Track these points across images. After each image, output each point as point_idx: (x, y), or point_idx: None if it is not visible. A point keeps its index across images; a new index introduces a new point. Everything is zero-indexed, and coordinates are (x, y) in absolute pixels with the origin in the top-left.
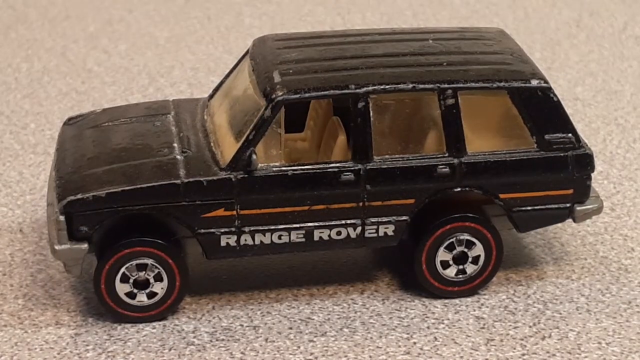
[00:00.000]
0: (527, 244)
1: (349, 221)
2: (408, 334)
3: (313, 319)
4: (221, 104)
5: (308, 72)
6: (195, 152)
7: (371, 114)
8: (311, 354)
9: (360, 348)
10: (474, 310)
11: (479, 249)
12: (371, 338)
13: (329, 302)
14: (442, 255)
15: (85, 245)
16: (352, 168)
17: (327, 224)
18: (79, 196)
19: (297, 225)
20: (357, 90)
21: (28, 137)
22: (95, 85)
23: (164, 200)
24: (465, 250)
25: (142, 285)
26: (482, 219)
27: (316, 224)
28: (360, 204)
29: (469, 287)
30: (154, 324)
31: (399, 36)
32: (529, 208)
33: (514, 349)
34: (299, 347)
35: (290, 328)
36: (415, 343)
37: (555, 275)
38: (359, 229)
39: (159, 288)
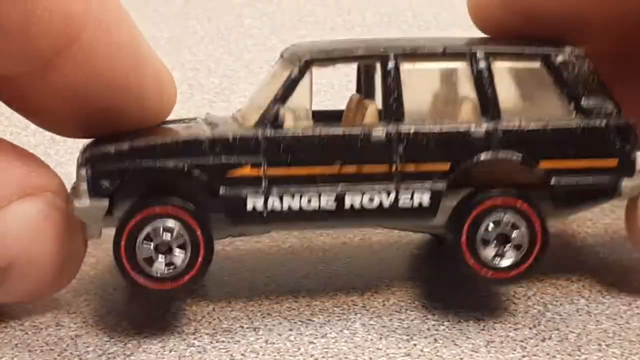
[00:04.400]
0: None
1: (382, 186)
2: (408, 335)
3: (313, 321)
4: (249, 103)
5: (336, 45)
6: (222, 124)
7: (401, 75)
8: (311, 355)
9: (360, 349)
10: (474, 312)
11: (521, 231)
12: (371, 340)
13: (329, 303)
14: (483, 234)
15: (105, 202)
16: (383, 128)
17: (359, 188)
18: (101, 148)
19: (328, 188)
20: (387, 52)
21: (29, 139)
22: None
23: (188, 157)
24: (508, 230)
25: (164, 251)
26: (525, 195)
27: (347, 186)
28: (393, 167)
29: (513, 274)
30: (154, 325)
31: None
32: (570, 180)
33: (514, 350)
34: (299, 348)
35: (291, 330)
36: (415, 345)
37: (556, 277)
38: (392, 195)
39: (180, 259)
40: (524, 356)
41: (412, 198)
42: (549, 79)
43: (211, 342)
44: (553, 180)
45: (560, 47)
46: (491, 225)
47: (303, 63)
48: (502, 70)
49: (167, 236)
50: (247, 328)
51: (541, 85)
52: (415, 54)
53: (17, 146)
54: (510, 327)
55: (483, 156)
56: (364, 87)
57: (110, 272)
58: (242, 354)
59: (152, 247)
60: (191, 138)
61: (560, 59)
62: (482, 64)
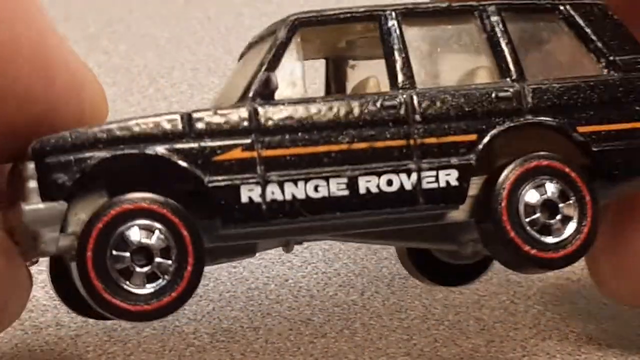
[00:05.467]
0: None
1: (400, 164)
2: (408, 335)
3: (313, 320)
4: (219, 97)
5: (324, 12)
6: (198, 107)
7: (404, 34)
8: (311, 355)
9: (360, 349)
10: (474, 312)
11: (570, 202)
12: (371, 339)
13: (329, 303)
14: (530, 196)
15: (63, 204)
16: (394, 94)
17: (373, 167)
18: (53, 135)
19: (337, 169)
20: (385, 9)
21: None
22: None
23: (163, 140)
24: (558, 201)
25: (143, 261)
26: (567, 160)
27: (359, 167)
28: (411, 141)
29: (563, 254)
30: (154, 324)
31: None
32: (615, 145)
33: (514, 350)
34: (299, 348)
35: (291, 329)
36: (415, 344)
37: (556, 277)
38: (414, 175)
39: (163, 269)
40: (524, 356)
41: (437, 178)
42: (570, 34)
43: (211, 342)
44: (596, 148)
45: None
46: (535, 193)
47: (289, 24)
48: (517, 27)
49: (145, 240)
50: (247, 328)
51: (563, 42)
52: (416, 11)
53: None
54: (510, 326)
55: (513, 122)
56: (334, 84)
57: None
58: (242, 354)
59: (127, 255)
60: (166, 118)
61: (580, 11)
62: (494, 19)
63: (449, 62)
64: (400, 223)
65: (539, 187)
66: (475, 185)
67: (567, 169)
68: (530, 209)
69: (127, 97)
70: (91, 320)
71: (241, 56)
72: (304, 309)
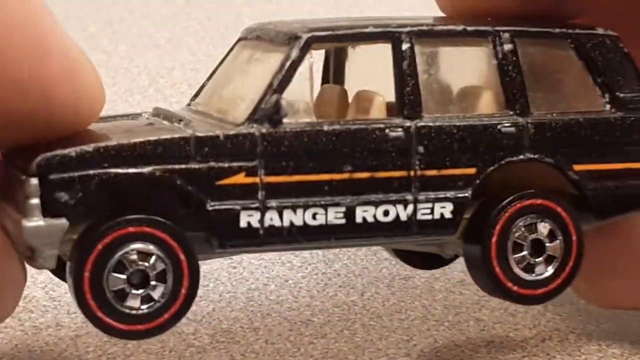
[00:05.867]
0: None
1: (398, 195)
2: (408, 335)
3: (313, 321)
4: (213, 93)
5: (332, 23)
6: (196, 124)
7: (417, 59)
8: (311, 356)
9: (360, 350)
10: (474, 313)
11: (557, 238)
12: (371, 340)
13: (329, 304)
14: (515, 240)
15: (64, 222)
16: (401, 124)
17: (372, 198)
18: (58, 153)
19: (336, 200)
20: (400, 29)
21: None
22: None
23: (169, 161)
24: (543, 239)
25: (139, 283)
26: (560, 200)
27: (359, 198)
28: (412, 172)
29: (547, 290)
30: None
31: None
32: (608, 185)
33: (514, 351)
34: (299, 349)
35: (291, 330)
36: (415, 345)
37: None
38: (410, 207)
39: (159, 292)
40: (524, 356)
41: (432, 211)
42: (579, 65)
43: (211, 343)
44: (589, 187)
45: (590, 29)
46: (524, 231)
47: (304, 43)
48: (528, 54)
49: (143, 264)
50: (247, 328)
51: (571, 72)
52: (432, 32)
53: None
54: (510, 327)
55: (513, 158)
56: (333, 76)
57: None
58: (242, 355)
59: (124, 278)
60: (173, 137)
61: (592, 42)
62: (507, 47)
63: (457, 85)
64: (389, 245)
65: (530, 225)
66: (469, 210)
67: (559, 209)
68: (518, 246)
69: (127, 97)
70: None
71: (238, 41)
72: (304, 310)
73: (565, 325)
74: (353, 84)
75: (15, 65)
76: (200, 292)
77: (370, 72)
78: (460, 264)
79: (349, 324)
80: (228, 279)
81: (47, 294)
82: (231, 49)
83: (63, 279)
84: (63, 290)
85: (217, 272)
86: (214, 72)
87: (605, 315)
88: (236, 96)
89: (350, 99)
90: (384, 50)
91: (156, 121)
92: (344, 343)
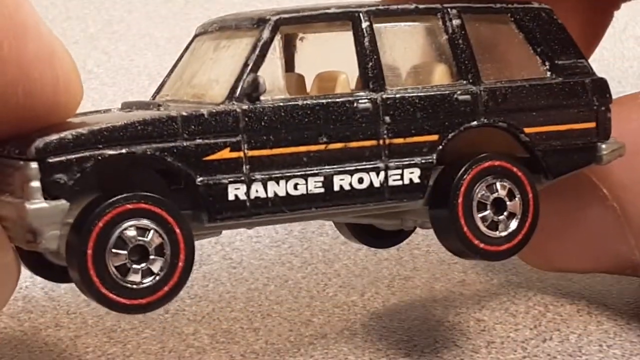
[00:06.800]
0: None
1: (370, 164)
2: (408, 336)
3: (313, 321)
4: (180, 85)
5: (294, 9)
6: (171, 106)
7: (377, 37)
8: (311, 356)
9: (360, 350)
10: (475, 313)
11: (515, 201)
12: (371, 340)
13: (329, 304)
14: (480, 199)
15: (64, 202)
16: (368, 96)
17: (347, 167)
18: (54, 136)
19: (315, 170)
20: (359, 9)
21: None
22: (95, 86)
23: (159, 140)
24: (503, 198)
25: (139, 258)
26: (516, 160)
27: (334, 167)
28: (381, 141)
29: (510, 246)
30: (153, 326)
31: None
32: (554, 145)
33: (515, 351)
34: (299, 349)
35: (291, 330)
36: (415, 345)
37: (556, 278)
38: (382, 174)
39: (159, 265)
40: (524, 357)
41: (402, 176)
42: (520, 36)
43: (211, 343)
44: (539, 148)
45: (527, 3)
46: (486, 192)
47: (273, 24)
48: (474, 28)
49: (142, 239)
50: (247, 329)
51: (513, 43)
52: (387, 11)
53: None
54: (510, 327)
55: (471, 123)
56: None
57: None
58: (242, 355)
59: (125, 253)
60: (161, 117)
61: (529, 15)
62: (455, 22)
63: (413, 61)
64: (363, 212)
65: (490, 185)
66: (432, 176)
67: (514, 169)
68: (482, 205)
69: (127, 97)
70: (90, 322)
71: (194, 37)
72: (304, 310)
73: (566, 326)
74: (305, 71)
75: None
76: (200, 292)
77: (322, 60)
78: (460, 264)
79: (349, 324)
80: (228, 279)
81: (46, 294)
82: (188, 46)
83: (43, 275)
84: (62, 290)
85: (217, 272)
86: (173, 68)
87: (606, 315)
88: (210, 80)
89: (309, 85)
90: (334, 38)
91: (133, 110)
92: (344, 343)
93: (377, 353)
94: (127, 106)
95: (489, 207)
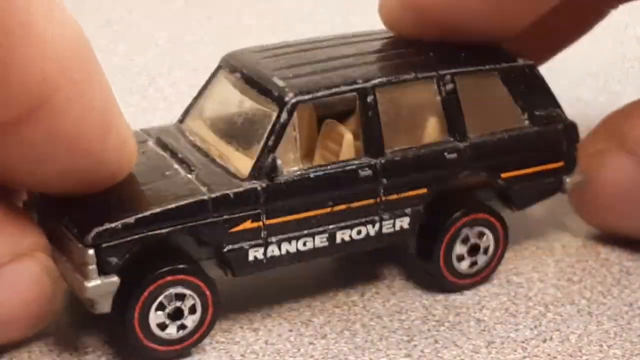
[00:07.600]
0: (529, 245)
1: (368, 218)
2: (409, 336)
3: (313, 322)
4: (204, 123)
5: (306, 74)
6: (202, 169)
7: (379, 107)
8: (311, 356)
9: (360, 350)
10: (475, 313)
11: (489, 239)
12: (372, 340)
13: (329, 304)
14: (459, 248)
15: (116, 278)
16: (369, 163)
17: (348, 223)
18: (107, 226)
19: (321, 229)
20: (365, 85)
21: None
22: None
23: (192, 219)
24: (476, 241)
25: (174, 316)
26: (491, 210)
27: (338, 225)
28: (378, 199)
29: (479, 278)
30: None
31: (360, 38)
32: (526, 184)
33: (515, 351)
34: (299, 349)
35: (291, 330)
36: (415, 345)
37: (557, 278)
38: (377, 225)
39: (190, 321)
40: (524, 357)
41: (393, 225)
42: (505, 90)
43: (211, 343)
44: (513, 188)
45: (513, 59)
46: (463, 246)
47: (290, 106)
48: (465, 88)
49: (179, 304)
50: (246, 329)
51: (498, 97)
52: (390, 82)
53: (2, 201)
54: (511, 327)
55: (456, 176)
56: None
57: None
58: (242, 355)
59: (165, 314)
60: (194, 200)
61: (514, 72)
62: (449, 86)
63: (410, 117)
64: (360, 251)
65: (465, 240)
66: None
67: (492, 219)
68: (460, 256)
69: (127, 97)
70: (90, 322)
71: (218, 68)
72: (304, 310)
73: (566, 326)
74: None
75: (87, 141)
76: None
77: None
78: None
79: (349, 324)
80: (228, 279)
81: None
82: (213, 75)
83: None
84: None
85: (216, 273)
86: (199, 94)
87: (607, 316)
88: (237, 146)
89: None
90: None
91: (166, 164)
92: (344, 343)
93: (377, 353)
94: (162, 144)
95: (465, 254)
